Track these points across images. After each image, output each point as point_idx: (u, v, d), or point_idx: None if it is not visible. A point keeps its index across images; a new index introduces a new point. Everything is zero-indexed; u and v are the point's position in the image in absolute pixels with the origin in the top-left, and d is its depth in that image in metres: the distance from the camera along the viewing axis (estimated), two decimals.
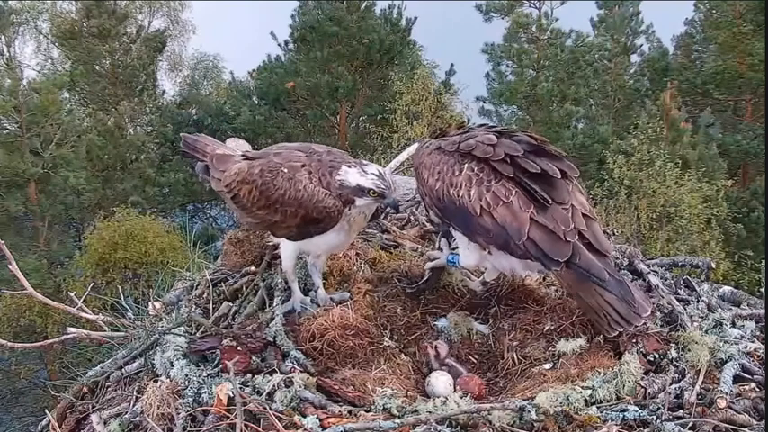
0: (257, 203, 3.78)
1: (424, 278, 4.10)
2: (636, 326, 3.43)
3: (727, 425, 2.94)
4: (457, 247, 4.00)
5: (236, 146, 6.03)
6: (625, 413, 2.97)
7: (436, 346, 3.63)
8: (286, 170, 3.70)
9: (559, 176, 3.53)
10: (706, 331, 3.55)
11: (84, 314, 4.39)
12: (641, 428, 2.92)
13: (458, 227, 3.69)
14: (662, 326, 3.63)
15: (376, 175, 3.64)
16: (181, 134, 4.52)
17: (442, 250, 4.13)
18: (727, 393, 3.06)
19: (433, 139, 3.95)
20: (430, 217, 4.22)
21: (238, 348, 3.47)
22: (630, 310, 3.40)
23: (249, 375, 3.31)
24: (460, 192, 3.55)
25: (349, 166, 3.68)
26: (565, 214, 3.47)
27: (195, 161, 4.33)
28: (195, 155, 4.29)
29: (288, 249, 3.92)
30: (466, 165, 3.59)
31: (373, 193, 3.64)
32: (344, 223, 3.74)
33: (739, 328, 3.71)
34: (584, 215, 3.52)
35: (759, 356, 3.44)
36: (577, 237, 3.45)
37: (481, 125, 4.02)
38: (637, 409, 3.01)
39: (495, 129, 3.79)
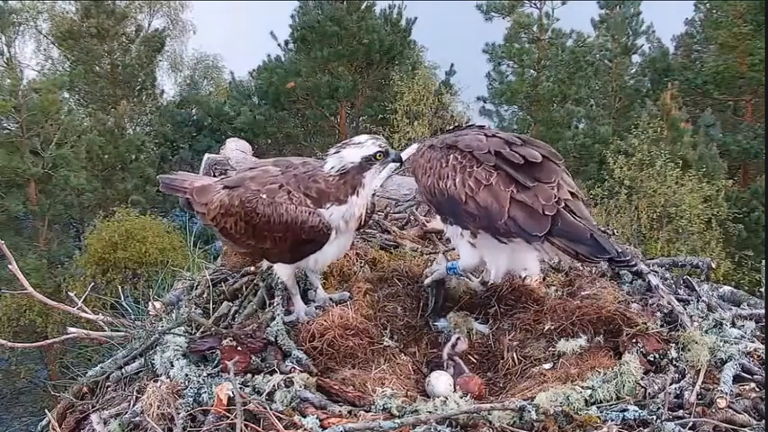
0: (245, 234, 3.71)
1: (432, 302, 4.01)
2: (601, 258, 3.43)
3: (727, 425, 2.94)
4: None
5: (237, 146, 6.06)
6: (625, 413, 2.97)
7: (459, 338, 3.65)
8: (265, 195, 3.61)
9: (540, 159, 3.56)
10: (706, 331, 3.55)
11: (84, 314, 4.39)
12: (641, 428, 2.92)
13: (450, 217, 3.73)
14: (662, 326, 3.64)
15: (372, 139, 3.64)
16: (158, 177, 4.44)
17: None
18: (727, 393, 3.06)
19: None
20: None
21: (238, 348, 3.47)
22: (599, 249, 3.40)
23: (249, 375, 3.31)
24: (448, 182, 3.60)
25: (336, 152, 3.64)
26: (550, 191, 3.50)
27: (178, 197, 4.24)
28: (176, 193, 4.20)
29: (284, 268, 3.86)
30: (451, 156, 3.64)
31: (380, 155, 3.62)
32: (335, 231, 3.65)
33: (739, 328, 3.71)
34: (570, 192, 3.55)
35: (759, 356, 3.44)
36: (561, 207, 3.47)
37: (471, 125, 4.02)
38: (637, 409, 3.01)
39: (486, 130, 3.82)
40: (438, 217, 4.12)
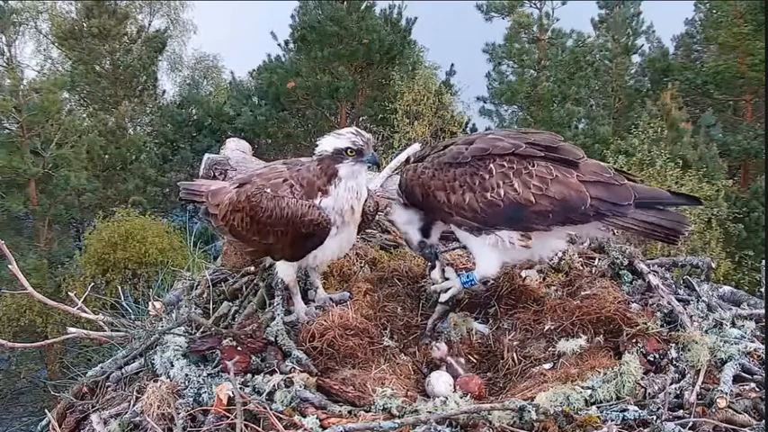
0: (251, 229, 3.72)
1: (438, 314, 3.87)
2: (685, 233, 3.53)
3: (727, 425, 2.94)
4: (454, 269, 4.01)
5: (237, 146, 6.04)
6: (625, 413, 2.97)
7: (433, 348, 3.63)
8: (269, 190, 3.64)
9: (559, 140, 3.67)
10: (706, 331, 3.55)
11: (84, 314, 4.39)
12: (641, 428, 2.92)
13: (506, 226, 3.58)
14: (662, 326, 3.63)
15: (353, 133, 3.51)
16: (178, 183, 4.52)
17: (445, 278, 4.01)
18: (727, 393, 3.06)
19: (414, 163, 3.83)
20: (409, 242, 4.03)
21: (238, 348, 3.47)
22: (674, 221, 3.50)
23: (249, 375, 3.31)
24: (501, 191, 3.50)
25: (323, 138, 3.59)
26: (596, 163, 3.60)
27: (197, 205, 4.27)
28: (194, 198, 4.24)
29: (285, 266, 3.85)
30: (491, 164, 3.53)
31: (351, 151, 3.49)
32: (335, 227, 3.62)
33: (739, 328, 3.70)
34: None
35: (759, 356, 3.44)
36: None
37: (453, 141, 3.90)
38: (637, 409, 3.01)
39: (483, 134, 3.84)
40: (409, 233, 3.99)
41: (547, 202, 3.47)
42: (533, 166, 3.51)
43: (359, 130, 3.55)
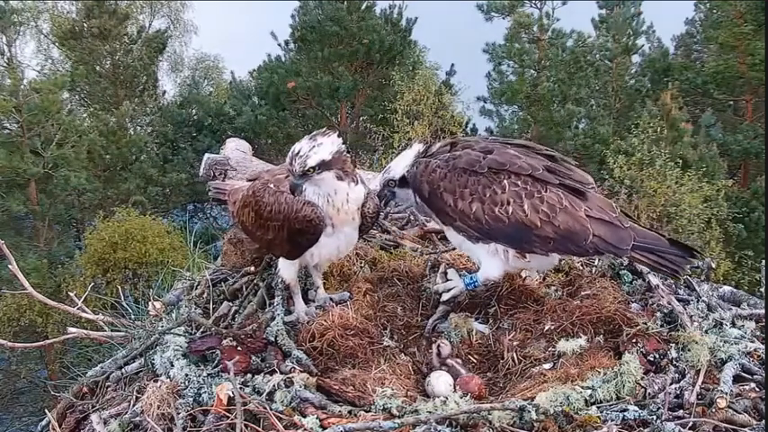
0: (255, 224, 3.76)
1: (439, 314, 3.90)
2: (689, 268, 3.68)
3: (727, 425, 2.94)
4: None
5: (237, 146, 6.06)
6: (625, 413, 2.97)
7: (439, 345, 3.62)
8: (272, 185, 3.67)
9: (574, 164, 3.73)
10: (706, 331, 3.55)
11: (84, 314, 4.40)
12: (641, 428, 2.92)
13: (506, 243, 3.64)
14: (662, 326, 3.64)
15: (294, 153, 3.41)
16: (208, 183, 4.68)
17: (446, 279, 4.04)
18: (727, 393, 3.06)
19: (423, 157, 3.81)
20: (386, 170, 3.93)
21: (238, 348, 3.48)
22: (681, 257, 3.58)
23: (249, 375, 3.31)
24: (509, 208, 3.53)
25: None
26: (603, 197, 3.65)
27: (225, 204, 4.37)
28: (220, 197, 4.37)
29: (286, 264, 3.86)
30: (506, 181, 3.56)
31: (289, 166, 3.44)
32: (330, 227, 3.63)
33: (739, 328, 3.71)
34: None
35: (759, 356, 3.45)
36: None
37: (468, 139, 3.93)
38: (637, 409, 3.01)
39: (496, 140, 3.83)
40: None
41: (551, 229, 3.52)
42: (546, 191, 3.55)
43: (300, 154, 3.40)
